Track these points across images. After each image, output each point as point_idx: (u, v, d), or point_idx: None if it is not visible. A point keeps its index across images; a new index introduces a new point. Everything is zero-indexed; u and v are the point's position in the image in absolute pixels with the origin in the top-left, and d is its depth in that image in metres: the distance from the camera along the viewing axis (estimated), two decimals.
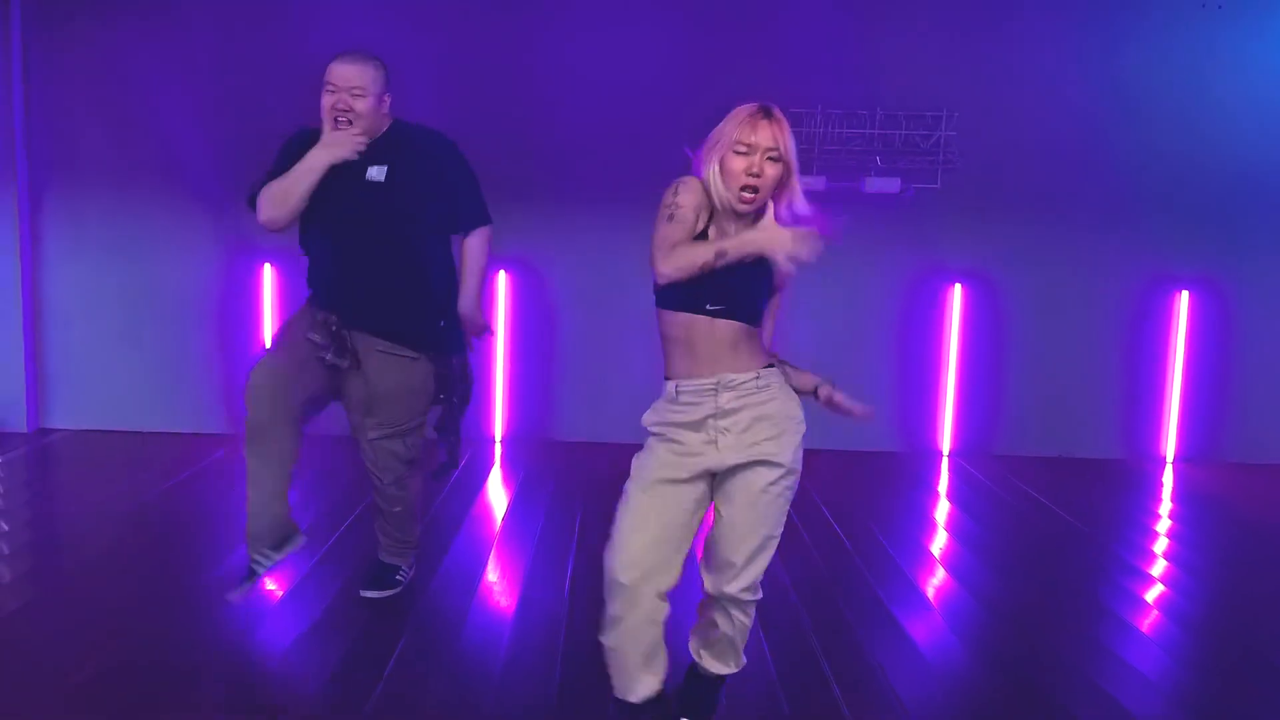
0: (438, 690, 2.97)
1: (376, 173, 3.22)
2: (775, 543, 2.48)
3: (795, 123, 5.57)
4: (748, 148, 2.36)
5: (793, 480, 2.46)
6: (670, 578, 2.45)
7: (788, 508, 2.48)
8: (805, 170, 5.76)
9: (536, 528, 4.48)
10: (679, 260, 2.30)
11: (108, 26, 5.68)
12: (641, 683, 2.52)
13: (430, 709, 2.87)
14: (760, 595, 2.51)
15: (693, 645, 2.67)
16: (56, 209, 5.83)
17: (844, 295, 5.85)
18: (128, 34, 5.69)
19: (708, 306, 2.38)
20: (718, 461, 2.42)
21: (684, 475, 2.43)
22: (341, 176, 3.19)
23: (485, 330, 3.51)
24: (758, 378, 2.42)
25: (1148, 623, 3.71)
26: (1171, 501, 5.38)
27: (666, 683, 2.57)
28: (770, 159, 2.37)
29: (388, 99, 3.27)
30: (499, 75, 5.74)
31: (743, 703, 2.91)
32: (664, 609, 2.47)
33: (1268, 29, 5.76)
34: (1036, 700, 3.05)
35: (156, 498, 4.77)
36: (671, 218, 2.35)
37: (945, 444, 6.02)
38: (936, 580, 4.07)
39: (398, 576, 3.62)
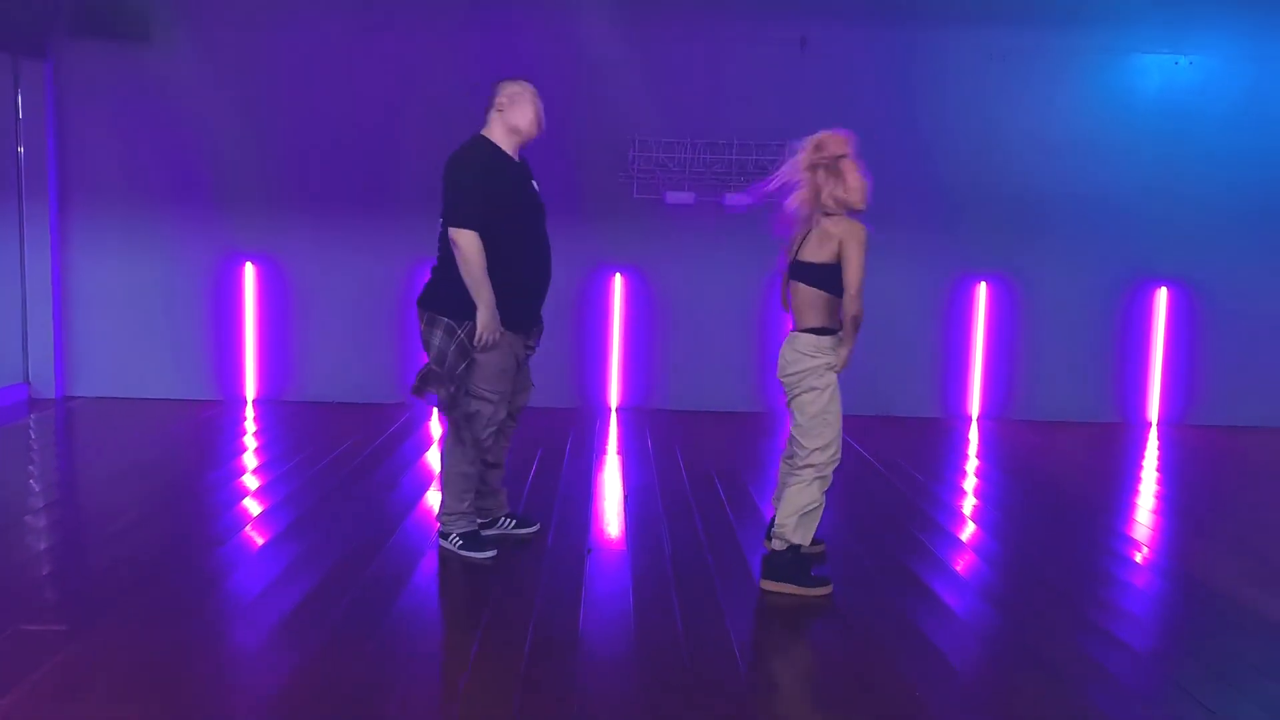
0: None
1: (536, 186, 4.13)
2: None
3: (668, 150, 7.10)
4: None
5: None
6: None
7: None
8: (678, 188, 7.23)
9: None
10: None
11: (124, 70, 7.11)
12: None
13: None
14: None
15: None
16: (80, 215, 7.25)
17: (724, 286, 7.31)
18: (140, 75, 7.12)
19: None
20: None
21: None
22: (528, 192, 4.03)
23: None
24: None
25: (962, 563, 4.31)
26: (978, 459, 6.49)
27: None
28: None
29: None
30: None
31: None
32: None
33: (1044, 78, 7.30)
34: (869, 646, 3.41)
35: (160, 450, 6.11)
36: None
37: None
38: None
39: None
